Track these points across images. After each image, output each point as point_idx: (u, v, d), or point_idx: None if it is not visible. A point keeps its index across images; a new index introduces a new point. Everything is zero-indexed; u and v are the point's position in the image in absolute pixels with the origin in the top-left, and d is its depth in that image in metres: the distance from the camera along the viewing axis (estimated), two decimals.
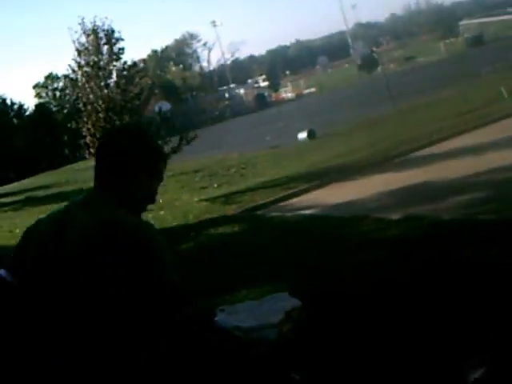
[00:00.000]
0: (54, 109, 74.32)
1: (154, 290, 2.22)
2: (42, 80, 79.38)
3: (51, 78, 77.07)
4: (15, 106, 71.57)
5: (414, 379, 4.49)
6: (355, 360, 4.94)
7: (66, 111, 66.74)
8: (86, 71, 15.89)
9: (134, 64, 16.56)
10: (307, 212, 11.88)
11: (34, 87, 79.85)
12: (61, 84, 72.75)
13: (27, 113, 72.02)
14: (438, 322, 5.20)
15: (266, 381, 5.02)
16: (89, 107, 15.85)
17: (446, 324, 5.11)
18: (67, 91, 66.10)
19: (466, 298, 5.51)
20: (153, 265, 2.22)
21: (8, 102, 71.47)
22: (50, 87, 78.41)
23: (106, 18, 16.00)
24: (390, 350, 4.95)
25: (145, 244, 2.24)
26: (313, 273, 7.42)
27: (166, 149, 16.02)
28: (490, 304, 5.24)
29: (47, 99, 77.80)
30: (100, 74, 15.80)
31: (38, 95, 78.80)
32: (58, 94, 76.63)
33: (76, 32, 15.80)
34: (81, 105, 16.38)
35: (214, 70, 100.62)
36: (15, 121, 69.95)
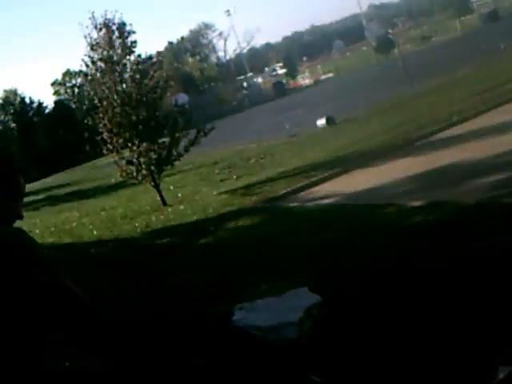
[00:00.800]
0: (73, 106, 74.71)
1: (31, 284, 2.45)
2: (59, 77, 79.98)
3: (68, 74, 77.41)
4: (34, 105, 72.18)
5: (442, 374, 4.31)
6: (379, 357, 4.76)
7: (84, 108, 67.04)
8: (100, 66, 15.80)
9: (149, 57, 16.40)
10: (328, 201, 11.70)
11: (53, 84, 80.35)
12: (79, 80, 73.02)
13: (47, 110, 72.52)
14: (468, 313, 5.01)
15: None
16: (104, 103, 15.77)
17: (476, 316, 4.91)
18: (85, 87, 66.39)
19: (495, 289, 5.30)
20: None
21: (27, 100, 72.15)
22: (67, 84, 78.84)
23: (117, 11, 15.86)
24: (417, 344, 4.78)
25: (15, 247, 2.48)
26: (335, 267, 7.23)
27: (184, 142, 15.95)
28: None
29: (66, 96, 78.27)
30: (115, 68, 15.70)
31: (57, 93, 79.30)
32: (76, 90, 77.00)
33: (87, 27, 15.69)
34: (96, 101, 16.27)
35: (230, 60, 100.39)
36: (35, 119, 70.42)
